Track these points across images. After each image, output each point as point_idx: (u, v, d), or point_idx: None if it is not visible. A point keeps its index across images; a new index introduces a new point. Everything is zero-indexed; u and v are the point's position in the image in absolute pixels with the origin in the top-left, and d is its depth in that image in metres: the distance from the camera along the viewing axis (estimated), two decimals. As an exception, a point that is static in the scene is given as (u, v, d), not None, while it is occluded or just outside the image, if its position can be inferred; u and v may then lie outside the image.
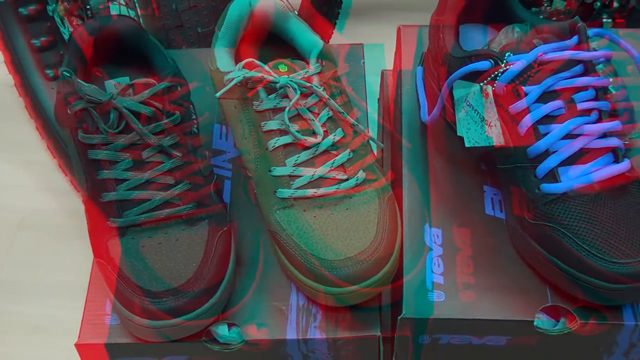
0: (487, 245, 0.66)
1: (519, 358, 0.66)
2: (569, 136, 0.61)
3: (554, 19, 1.11)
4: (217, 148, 0.76)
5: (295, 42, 0.73)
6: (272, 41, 0.74)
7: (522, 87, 0.61)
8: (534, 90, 0.61)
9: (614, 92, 0.65)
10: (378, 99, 0.94)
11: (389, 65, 0.90)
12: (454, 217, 0.68)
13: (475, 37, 0.72)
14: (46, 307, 1.05)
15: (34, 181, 1.21)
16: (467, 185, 0.70)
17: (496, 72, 0.62)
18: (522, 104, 0.61)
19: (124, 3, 1.08)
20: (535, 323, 0.62)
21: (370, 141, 0.69)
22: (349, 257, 0.61)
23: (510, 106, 0.62)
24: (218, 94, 0.65)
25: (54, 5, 1.10)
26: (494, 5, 0.70)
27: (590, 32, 0.64)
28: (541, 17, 1.10)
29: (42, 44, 1.11)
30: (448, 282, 0.64)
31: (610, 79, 0.65)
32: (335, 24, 1.28)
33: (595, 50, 0.63)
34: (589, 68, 0.63)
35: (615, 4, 1.01)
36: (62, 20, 1.13)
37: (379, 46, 0.87)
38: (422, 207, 0.68)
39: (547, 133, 0.61)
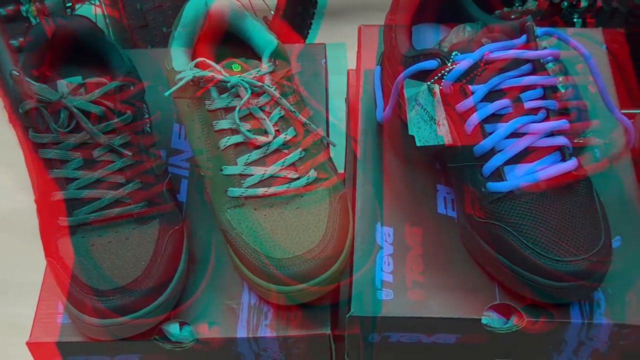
0: (438, 244, 0.66)
1: (469, 356, 0.66)
2: (515, 135, 0.61)
3: (537, 20, 1.12)
4: (175, 147, 0.76)
5: (252, 42, 0.73)
6: (229, 41, 0.74)
7: (469, 86, 0.62)
8: (480, 89, 0.61)
9: (562, 90, 0.65)
10: (345, 98, 0.94)
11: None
12: (407, 216, 0.68)
13: (429, 37, 0.72)
14: (24, 307, 1.05)
15: (11, 181, 1.21)
16: (421, 184, 0.70)
17: (443, 71, 0.62)
18: (468, 102, 0.61)
19: (97, 3, 1.09)
20: (483, 321, 0.62)
21: (324, 140, 0.69)
22: (297, 256, 0.62)
23: (458, 105, 0.62)
24: (167, 93, 0.66)
25: (27, 5, 1.10)
26: (447, 4, 0.70)
27: (539, 31, 0.64)
28: (513, 16, 1.11)
29: (20, 44, 1.12)
30: (397, 281, 0.64)
31: (560, 78, 0.65)
32: (311, 23, 1.28)
33: (543, 49, 0.63)
34: (537, 67, 0.63)
35: (583, 4, 1.01)
36: (35, 19, 1.13)
37: (342, 45, 0.88)
38: (375, 206, 0.68)
39: (493, 132, 0.61)
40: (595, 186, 0.68)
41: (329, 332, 0.64)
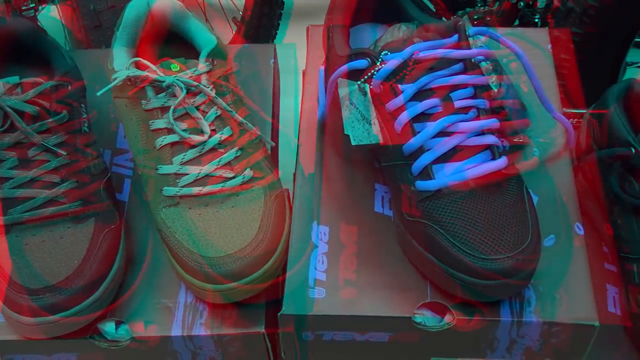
0: (373, 243, 0.67)
1: (404, 354, 0.67)
2: (443, 133, 0.61)
3: (488, 19, 1.12)
4: (120, 147, 0.77)
5: (194, 42, 0.73)
6: (172, 41, 0.75)
7: (399, 85, 0.62)
8: (409, 88, 0.62)
9: (495, 89, 0.65)
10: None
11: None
12: (343, 214, 0.68)
13: (369, 37, 0.72)
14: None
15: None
16: (359, 183, 0.70)
17: (372, 71, 0.62)
18: (398, 101, 0.62)
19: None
20: (414, 319, 0.62)
21: (263, 139, 0.70)
22: (228, 254, 0.62)
23: (387, 104, 0.62)
24: (99, 93, 0.66)
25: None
26: (386, 5, 0.71)
27: (471, 30, 0.64)
28: (476, 17, 1.11)
29: None
30: (330, 279, 0.64)
31: (494, 77, 0.66)
32: (279, 24, 1.29)
33: (475, 48, 0.63)
34: (468, 66, 0.63)
35: (540, 4, 1.02)
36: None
37: (291, 45, 0.88)
38: (312, 205, 0.69)
39: (422, 130, 0.61)
40: (532, 185, 0.69)
41: (263, 330, 0.65)
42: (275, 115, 0.80)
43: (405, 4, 0.70)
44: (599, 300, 0.76)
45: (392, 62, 0.61)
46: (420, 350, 0.66)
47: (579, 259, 0.65)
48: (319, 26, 0.83)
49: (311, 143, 0.73)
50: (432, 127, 0.61)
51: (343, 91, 0.65)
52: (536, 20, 1.08)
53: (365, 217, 0.68)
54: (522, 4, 1.02)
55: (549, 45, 0.80)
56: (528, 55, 0.79)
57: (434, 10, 1.15)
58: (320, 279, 0.64)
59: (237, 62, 0.79)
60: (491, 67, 0.65)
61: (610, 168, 0.75)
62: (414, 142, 0.61)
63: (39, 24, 1.14)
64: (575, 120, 0.89)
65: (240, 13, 1.31)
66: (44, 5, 1.13)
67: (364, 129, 0.65)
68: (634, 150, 0.70)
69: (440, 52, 0.61)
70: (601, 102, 0.78)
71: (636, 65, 1.10)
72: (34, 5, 1.12)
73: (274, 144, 0.71)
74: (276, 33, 1.30)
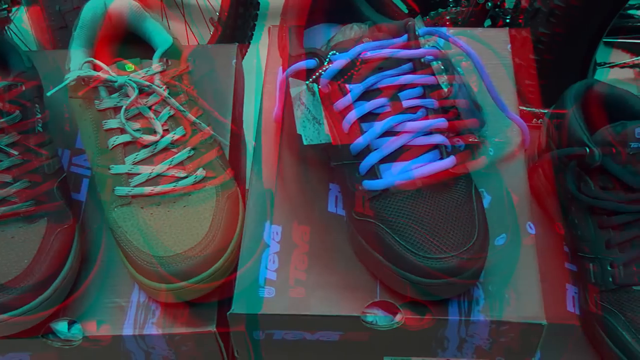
0: (325, 243, 0.67)
1: (355, 353, 0.67)
2: (390, 133, 0.61)
3: (460, 19, 1.12)
4: (79, 147, 0.77)
5: (151, 42, 0.73)
6: (129, 41, 0.75)
7: (347, 85, 0.62)
8: (356, 88, 0.62)
9: (445, 89, 0.65)
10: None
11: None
12: (296, 214, 0.68)
13: (323, 37, 0.72)
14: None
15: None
16: (314, 183, 0.71)
17: (320, 70, 0.62)
18: (345, 101, 0.62)
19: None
20: (363, 318, 0.63)
21: (219, 138, 0.70)
22: (178, 254, 0.62)
23: (335, 103, 0.62)
24: (49, 93, 0.66)
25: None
26: (340, 5, 0.71)
27: (421, 30, 0.65)
28: (448, 17, 1.11)
29: None
30: (280, 279, 0.64)
31: (445, 77, 0.66)
32: (254, 25, 1.29)
33: (425, 48, 0.63)
34: (417, 66, 0.63)
35: (508, 4, 1.02)
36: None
37: (254, 45, 0.88)
38: (266, 205, 0.69)
39: (369, 130, 0.61)
40: (486, 185, 0.69)
41: (215, 329, 0.65)
42: (236, 116, 0.80)
43: (360, 5, 0.70)
44: (558, 300, 0.77)
45: (338, 62, 0.61)
46: (372, 350, 0.66)
47: (529, 258, 0.65)
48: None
49: (268, 143, 0.73)
50: (378, 126, 0.61)
51: (294, 91, 0.65)
52: (507, 20, 1.08)
53: (318, 217, 0.68)
54: (489, 4, 1.03)
55: (509, 46, 0.80)
56: (488, 56, 0.80)
57: (407, 11, 1.15)
58: (270, 278, 0.65)
59: (198, 62, 0.79)
60: (442, 67, 0.65)
61: (567, 168, 0.76)
62: (360, 141, 0.61)
63: (12, 25, 1.14)
64: (539, 120, 0.89)
65: (217, 13, 1.31)
66: (17, 7, 1.13)
67: (314, 128, 0.65)
68: (588, 150, 0.71)
69: (386, 52, 0.61)
70: (560, 102, 0.78)
71: (608, 65, 1.10)
72: (6, 6, 1.12)
73: (228, 143, 0.71)
74: (252, 34, 1.30)
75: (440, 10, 1.12)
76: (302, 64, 0.63)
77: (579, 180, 0.73)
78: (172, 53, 0.70)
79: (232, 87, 0.80)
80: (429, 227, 0.60)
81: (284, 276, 0.65)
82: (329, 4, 0.71)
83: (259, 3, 1.27)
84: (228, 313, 0.63)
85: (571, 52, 0.99)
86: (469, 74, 0.71)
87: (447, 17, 1.12)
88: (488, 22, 1.12)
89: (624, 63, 1.07)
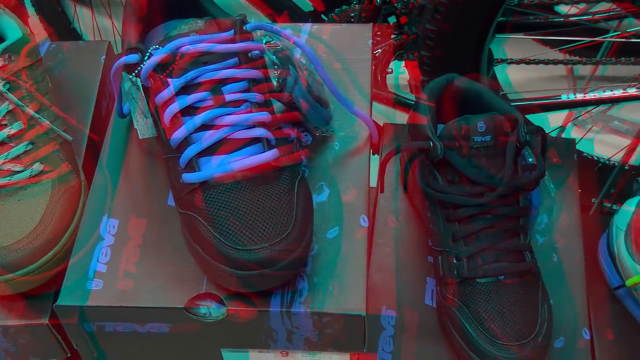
0: (159, 236, 0.67)
1: (191, 345, 0.67)
2: (209, 126, 0.62)
3: (364, 16, 1.13)
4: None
5: (2, 36, 0.74)
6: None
7: (169, 79, 0.63)
8: (177, 82, 0.62)
9: (275, 83, 0.66)
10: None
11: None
12: (135, 208, 0.69)
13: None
14: None
15: None
16: (157, 177, 0.71)
17: (142, 65, 0.63)
18: (166, 94, 0.62)
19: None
20: (188, 310, 0.63)
21: (60, 132, 0.71)
22: (5, 246, 0.63)
23: (157, 97, 0.63)
24: None
25: None
26: (185, 2, 0.71)
27: (248, 25, 0.65)
28: (352, 14, 1.12)
29: None
30: (110, 271, 0.65)
31: (278, 71, 0.66)
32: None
33: (249, 42, 0.64)
34: (242, 60, 0.64)
35: (397, 3, 1.02)
36: None
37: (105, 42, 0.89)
38: (106, 199, 0.69)
39: (187, 123, 0.62)
40: (327, 178, 0.70)
41: (47, 321, 0.65)
42: (101, 111, 0.81)
43: (205, 2, 0.71)
44: (417, 293, 0.77)
45: (156, 56, 0.62)
46: (207, 342, 0.67)
47: (359, 251, 0.66)
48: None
49: (117, 137, 0.74)
50: (197, 119, 0.62)
51: (126, 86, 0.66)
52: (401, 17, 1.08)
53: (157, 211, 0.69)
54: (378, 1, 1.03)
55: (370, 41, 0.81)
56: (350, 50, 0.80)
57: (312, 8, 1.16)
58: (100, 270, 0.65)
59: (69, 57, 0.80)
60: (276, 62, 0.66)
61: (419, 162, 0.76)
62: (178, 134, 0.62)
63: None
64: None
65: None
66: None
67: (144, 122, 0.66)
68: (431, 144, 0.71)
69: (204, 46, 0.62)
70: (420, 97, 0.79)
71: (507, 61, 1.11)
72: None
73: (71, 137, 0.72)
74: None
75: (344, 7, 1.13)
76: (126, 59, 0.63)
77: (429, 175, 0.74)
78: (18, 48, 0.71)
79: (97, 83, 0.81)
80: (244, 219, 0.60)
81: (114, 268, 0.65)
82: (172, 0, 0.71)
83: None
84: (54, 305, 0.64)
85: (460, 48, 0.99)
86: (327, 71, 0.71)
87: (351, 15, 1.13)
88: (393, 19, 1.13)
89: (520, 60, 1.08)
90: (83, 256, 0.66)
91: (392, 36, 1.10)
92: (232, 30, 0.64)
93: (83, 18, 1.48)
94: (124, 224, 0.68)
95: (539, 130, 0.73)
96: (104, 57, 0.83)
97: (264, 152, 0.62)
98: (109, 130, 0.74)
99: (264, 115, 0.63)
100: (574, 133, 1.36)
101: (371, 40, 0.81)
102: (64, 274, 0.65)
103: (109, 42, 0.85)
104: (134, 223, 0.68)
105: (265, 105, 0.64)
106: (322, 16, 1.16)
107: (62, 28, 1.43)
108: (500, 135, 0.70)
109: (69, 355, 0.70)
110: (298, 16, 1.13)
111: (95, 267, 0.65)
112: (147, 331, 0.65)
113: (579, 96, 1.03)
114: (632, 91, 1.01)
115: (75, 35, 1.45)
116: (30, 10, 1.39)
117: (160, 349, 0.68)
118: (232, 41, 0.64)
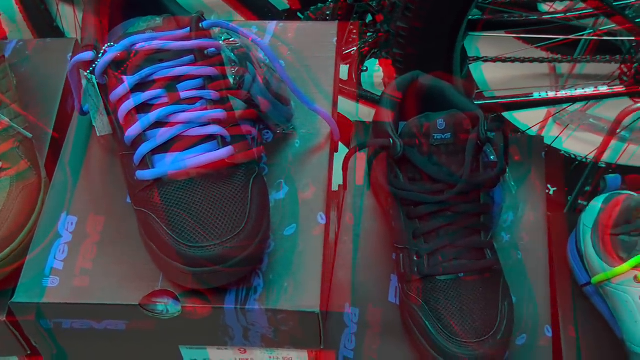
0: (118, 233, 0.67)
1: (150, 342, 0.67)
2: (163, 124, 0.62)
3: (339, 13, 1.13)
4: None
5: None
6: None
7: (123, 77, 0.63)
8: (130, 79, 0.62)
9: (232, 80, 0.66)
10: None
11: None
12: (94, 205, 0.69)
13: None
14: None
15: None
16: (117, 174, 0.71)
17: (96, 62, 0.63)
18: (120, 92, 0.63)
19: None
20: (143, 307, 0.63)
21: (20, 129, 0.71)
22: None
23: (111, 94, 0.63)
24: None
25: None
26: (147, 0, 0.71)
27: (205, 23, 0.65)
28: (328, 12, 1.12)
29: None
30: (67, 268, 0.65)
31: (235, 68, 0.66)
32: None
33: (205, 39, 0.64)
34: (198, 57, 0.64)
35: (371, 1, 1.02)
36: None
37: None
38: (65, 196, 0.70)
39: (140, 120, 0.62)
40: (286, 176, 0.70)
41: (4, 318, 0.66)
42: (67, 108, 0.81)
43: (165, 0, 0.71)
44: (381, 290, 0.78)
45: (110, 53, 0.62)
46: (165, 339, 0.67)
47: (315, 248, 0.66)
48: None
49: (80, 135, 0.74)
50: (150, 116, 0.62)
51: (84, 83, 0.66)
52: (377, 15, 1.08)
53: (116, 208, 0.69)
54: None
55: (335, 39, 0.81)
56: (314, 48, 0.80)
57: (287, 7, 1.16)
58: (57, 267, 0.65)
59: (36, 55, 0.80)
60: (234, 59, 0.66)
61: (382, 160, 0.76)
62: (132, 132, 0.62)
63: None
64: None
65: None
66: None
67: (101, 119, 0.66)
68: (392, 141, 0.71)
69: (157, 44, 0.62)
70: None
71: (482, 59, 1.11)
72: None
73: (30, 135, 0.72)
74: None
75: (320, 5, 1.13)
76: (80, 56, 0.63)
77: (391, 172, 0.74)
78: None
79: (63, 81, 0.81)
80: (197, 216, 0.60)
81: (71, 265, 0.65)
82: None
83: None
84: (9, 302, 0.64)
85: (431, 45, 0.99)
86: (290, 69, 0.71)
87: (327, 13, 1.13)
88: (369, 17, 1.13)
89: (495, 58, 1.08)
90: (40, 253, 0.66)
91: (368, 34, 1.11)
92: (189, 28, 0.64)
93: (65, 16, 1.48)
94: (82, 221, 0.68)
95: (500, 127, 0.73)
96: (70, 54, 0.83)
97: (218, 149, 0.63)
98: (71, 128, 0.74)
99: (218, 113, 0.63)
100: (555, 131, 1.36)
101: (336, 38, 0.81)
102: (21, 270, 0.65)
103: (76, 39, 0.85)
104: (92, 220, 0.68)
105: (221, 102, 0.64)
106: (298, 14, 1.16)
107: (45, 26, 1.43)
108: (460, 132, 0.70)
109: (29, 352, 0.70)
110: (273, 14, 1.13)
111: (52, 264, 0.65)
112: (104, 328, 0.66)
113: (551, 94, 1.03)
114: (603, 89, 1.01)
115: (59, 33, 1.45)
116: (15, 8, 1.39)
117: (118, 345, 0.69)
118: (188, 38, 0.64)
